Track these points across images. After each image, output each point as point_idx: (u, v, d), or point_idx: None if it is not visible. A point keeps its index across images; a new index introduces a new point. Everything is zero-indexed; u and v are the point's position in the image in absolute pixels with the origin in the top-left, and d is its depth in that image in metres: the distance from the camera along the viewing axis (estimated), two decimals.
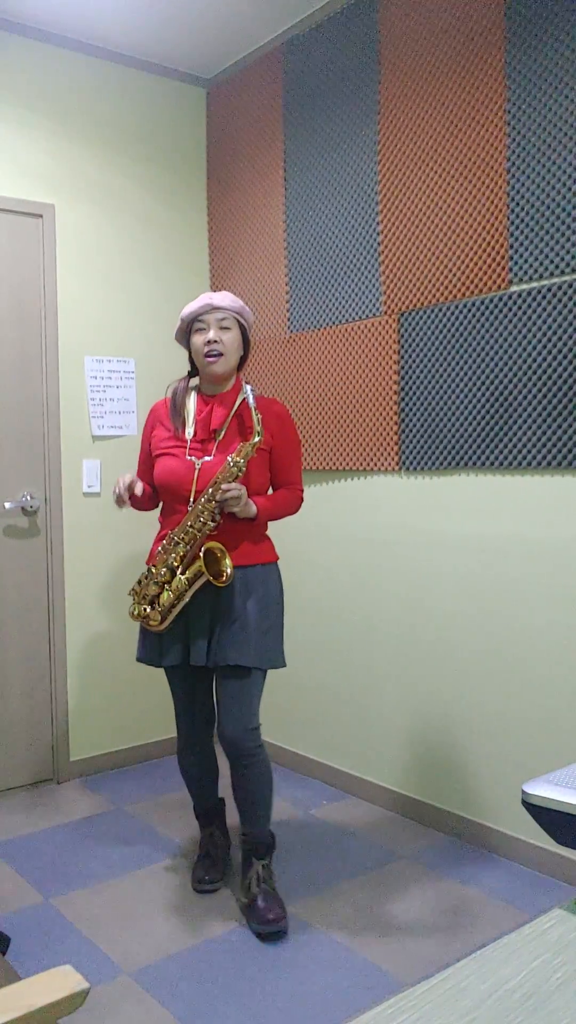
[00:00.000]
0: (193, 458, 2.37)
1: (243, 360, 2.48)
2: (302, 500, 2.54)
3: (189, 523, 2.30)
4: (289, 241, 3.40)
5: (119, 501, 2.39)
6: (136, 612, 2.39)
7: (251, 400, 2.32)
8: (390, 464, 3.03)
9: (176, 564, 2.33)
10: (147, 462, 2.52)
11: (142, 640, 2.52)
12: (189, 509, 2.32)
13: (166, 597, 2.34)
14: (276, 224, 3.46)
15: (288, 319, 3.43)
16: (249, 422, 2.40)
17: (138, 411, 3.62)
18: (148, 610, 2.36)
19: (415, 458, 2.94)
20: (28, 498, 3.36)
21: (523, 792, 1.08)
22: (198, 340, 2.39)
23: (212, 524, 2.30)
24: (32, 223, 3.35)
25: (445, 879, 2.62)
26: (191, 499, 2.34)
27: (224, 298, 2.40)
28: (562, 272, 2.47)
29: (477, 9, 2.65)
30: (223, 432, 2.38)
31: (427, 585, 2.94)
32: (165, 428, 2.45)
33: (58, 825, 3.07)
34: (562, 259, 2.47)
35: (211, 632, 2.37)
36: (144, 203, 3.65)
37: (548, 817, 1.06)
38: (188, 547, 2.31)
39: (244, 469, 2.30)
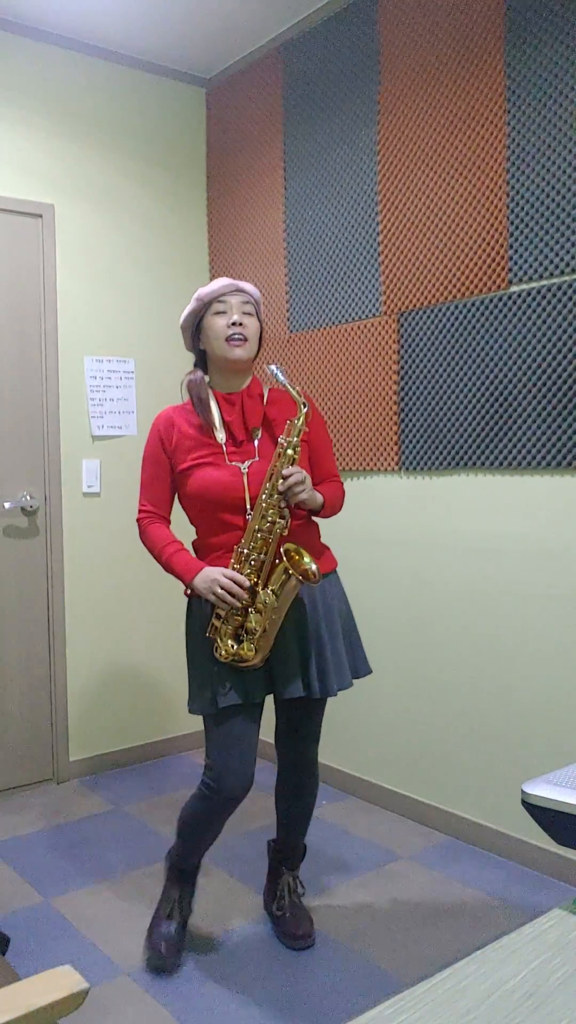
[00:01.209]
0: (236, 463, 2.10)
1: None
2: (342, 498, 2.30)
3: (256, 527, 2.03)
4: (289, 241, 3.40)
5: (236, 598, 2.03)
6: (224, 652, 2.05)
7: (282, 377, 2.06)
8: (390, 464, 3.03)
9: (253, 580, 2.04)
10: (164, 479, 2.16)
11: (201, 682, 2.12)
12: (248, 518, 2.06)
13: (255, 622, 2.03)
14: (276, 224, 3.46)
15: (288, 319, 3.43)
16: (280, 417, 2.16)
17: (137, 411, 3.62)
18: (235, 646, 2.04)
19: (415, 458, 2.94)
20: (28, 498, 3.36)
21: (523, 792, 1.08)
22: (218, 322, 2.10)
23: (283, 522, 2.03)
24: (32, 223, 3.35)
25: (445, 879, 2.62)
26: (247, 508, 2.07)
27: (248, 285, 2.18)
28: (562, 272, 2.47)
29: (477, 9, 2.65)
30: (260, 430, 2.15)
31: (427, 585, 2.94)
32: (189, 437, 2.12)
33: (57, 825, 3.07)
34: (561, 259, 2.47)
35: (303, 656, 2.11)
36: (144, 203, 3.65)
37: (547, 817, 1.06)
38: (261, 556, 2.03)
39: (299, 451, 2.06)
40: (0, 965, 1.42)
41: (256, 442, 2.14)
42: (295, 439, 2.04)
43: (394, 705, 3.08)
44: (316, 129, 3.25)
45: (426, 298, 2.86)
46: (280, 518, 2.02)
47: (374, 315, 3.06)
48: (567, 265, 2.45)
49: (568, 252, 2.45)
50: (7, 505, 3.30)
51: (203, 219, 3.84)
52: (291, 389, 2.05)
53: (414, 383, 2.92)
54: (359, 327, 3.10)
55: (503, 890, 2.55)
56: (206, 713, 2.10)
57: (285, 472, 2.01)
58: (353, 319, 3.14)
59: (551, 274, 2.50)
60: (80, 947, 2.30)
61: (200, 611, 2.14)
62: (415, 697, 3.00)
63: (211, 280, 3.82)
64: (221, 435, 2.12)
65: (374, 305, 3.05)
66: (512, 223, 2.59)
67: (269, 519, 2.02)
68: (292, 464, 2.04)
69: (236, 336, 2.09)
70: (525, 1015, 0.81)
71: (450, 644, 2.87)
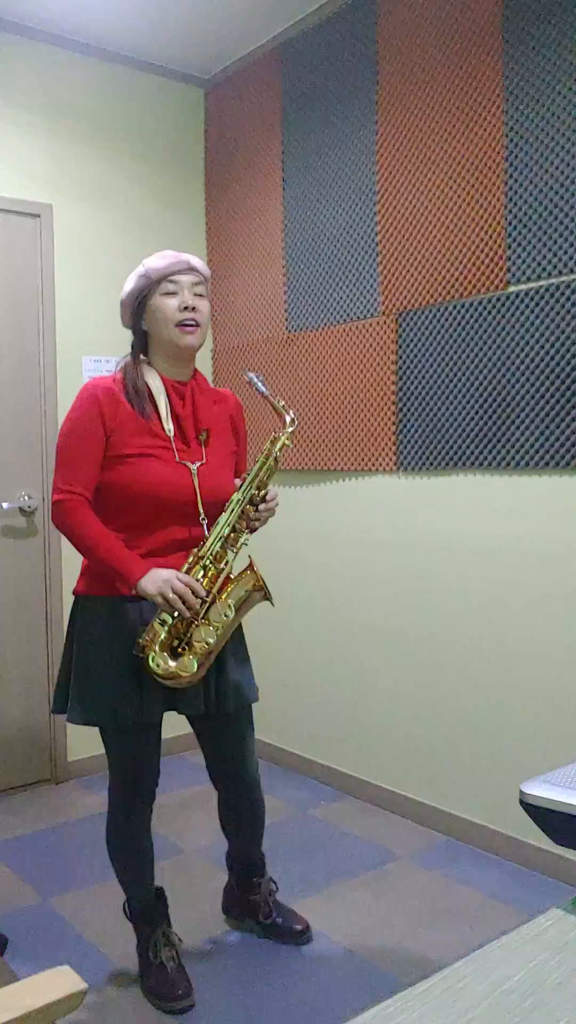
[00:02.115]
0: (186, 463, 1.94)
1: None
2: None
3: (220, 535, 1.91)
4: (287, 241, 3.40)
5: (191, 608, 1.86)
6: (159, 667, 1.85)
7: (263, 387, 1.97)
8: (388, 464, 3.03)
9: (207, 588, 1.88)
10: (96, 458, 1.90)
11: (96, 693, 1.92)
12: (202, 522, 1.94)
13: (205, 635, 1.86)
14: (274, 224, 3.46)
15: (286, 319, 3.43)
16: (222, 420, 2.06)
17: None
18: (173, 664, 1.85)
19: (413, 458, 2.94)
20: (26, 498, 3.36)
21: (521, 792, 1.08)
22: (169, 303, 1.92)
23: (247, 535, 1.93)
24: (30, 223, 3.35)
25: (443, 879, 2.62)
26: (199, 513, 1.94)
27: (198, 261, 1.98)
28: (560, 273, 2.47)
29: (475, 9, 2.65)
30: (208, 432, 2.01)
31: (425, 585, 2.94)
32: (134, 419, 1.92)
33: (56, 825, 3.07)
34: (560, 259, 2.47)
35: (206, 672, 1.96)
36: (142, 203, 3.64)
37: (546, 817, 1.06)
38: (219, 567, 1.91)
39: (278, 463, 1.96)
40: None
41: (204, 444, 1.99)
42: (279, 453, 1.94)
43: (392, 705, 3.08)
44: (315, 129, 3.25)
45: (424, 298, 2.86)
46: (247, 530, 1.94)
47: (372, 315, 3.06)
48: (565, 265, 2.45)
49: (566, 252, 2.45)
50: (5, 505, 3.30)
51: (201, 219, 3.83)
52: (274, 401, 1.97)
53: (412, 383, 2.92)
54: (357, 327, 3.11)
55: (501, 890, 2.55)
56: (100, 726, 1.96)
57: (270, 494, 1.96)
58: (351, 319, 3.14)
59: (549, 274, 2.50)
60: (78, 947, 2.30)
61: (97, 612, 1.96)
62: (413, 697, 3.00)
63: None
64: (170, 428, 1.94)
65: (372, 305, 3.05)
66: (510, 223, 2.59)
67: (236, 528, 1.91)
68: (269, 477, 1.95)
69: (189, 322, 1.92)
70: (524, 1015, 0.81)
71: (448, 645, 2.87)
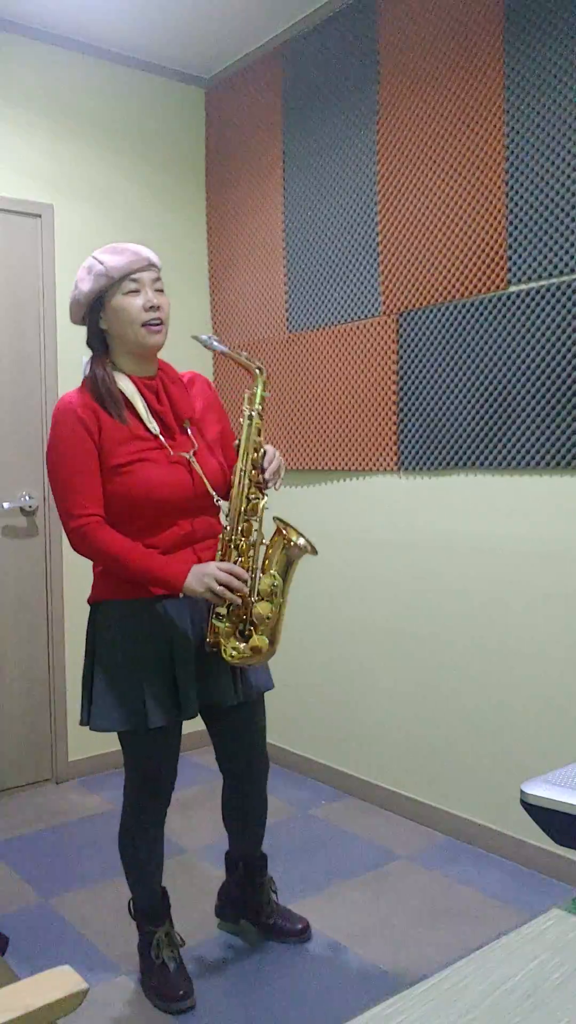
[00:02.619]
0: (183, 454, 1.92)
1: None
2: None
3: (240, 510, 1.89)
4: (288, 241, 3.40)
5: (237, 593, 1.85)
6: (233, 654, 1.88)
7: (220, 345, 1.92)
8: (389, 464, 3.03)
9: (247, 567, 1.88)
10: (97, 475, 1.88)
11: (126, 697, 1.91)
12: (218, 504, 1.94)
13: (264, 610, 1.87)
14: (275, 224, 3.46)
15: (287, 319, 3.43)
16: (203, 402, 2.03)
17: None
18: (243, 644, 1.88)
19: (414, 458, 2.94)
20: (26, 498, 3.36)
21: (521, 792, 1.08)
22: (133, 303, 1.86)
23: (265, 498, 1.91)
24: (31, 223, 3.35)
25: (443, 879, 2.62)
26: (211, 499, 1.95)
27: (153, 254, 1.93)
28: (560, 272, 2.47)
29: (476, 9, 2.65)
30: (190, 421, 1.99)
31: (426, 585, 2.94)
32: (117, 428, 1.88)
33: (57, 825, 3.07)
34: (560, 259, 2.47)
35: (218, 663, 1.97)
36: (143, 203, 3.65)
37: (546, 817, 1.06)
38: (250, 539, 1.89)
39: (263, 421, 1.93)
40: None
41: (189, 432, 1.97)
42: (259, 407, 1.91)
43: (392, 705, 3.08)
44: (315, 129, 3.25)
45: (425, 298, 2.86)
46: (262, 494, 1.91)
47: (373, 315, 3.06)
48: (566, 265, 2.45)
49: (567, 252, 2.45)
50: (6, 505, 3.30)
51: (202, 219, 3.83)
52: (236, 356, 1.92)
53: (413, 383, 2.92)
54: (358, 327, 3.11)
55: (502, 890, 2.55)
56: (130, 730, 1.94)
57: (268, 452, 1.93)
58: (352, 319, 3.14)
59: (550, 274, 2.50)
60: (79, 947, 2.30)
61: (116, 618, 1.95)
62: (413, 697, 3.00)
63: (209, 280, 3.82)
64: (153, 426, 1.91)
65: (373, 305, 3.05)
66: (511, 223, 2.59)
67: (250, 498, 1.89)
68: (259, 435, 1.92)
69: (154, 321, 1.88)
70: (524, 1015, 0.81)
71: (449, 644, 2.87)
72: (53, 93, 3.40)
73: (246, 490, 1.90)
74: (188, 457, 1.93)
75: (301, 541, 1.91)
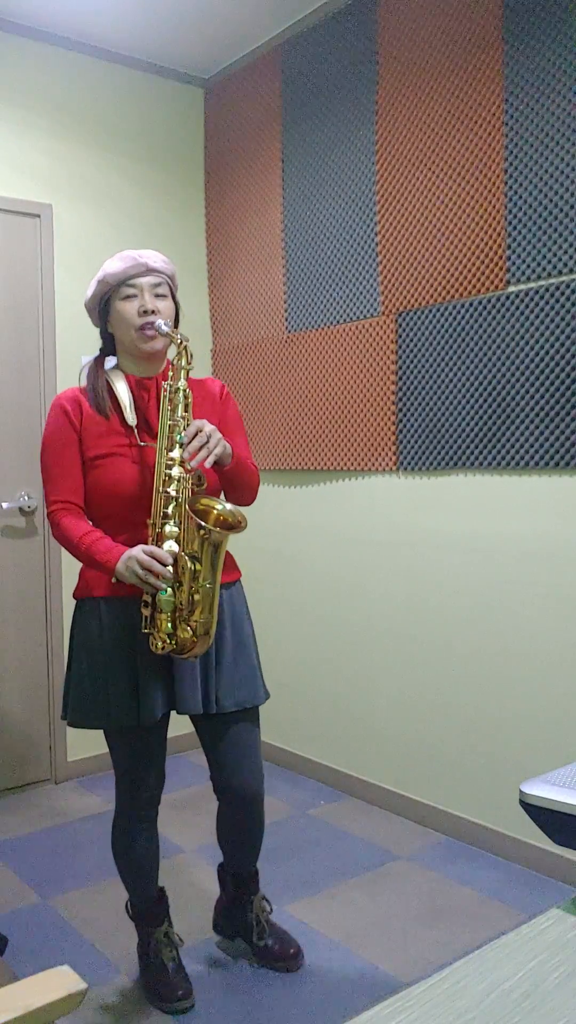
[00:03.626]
0: (151, 444, 1.90)
1: None
2: (259, 477, 2.07)
3: (159, 489, 1.83)
4: (287, 241, 3.40)
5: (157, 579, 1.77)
6: (160, 645, 1.82)
7: (165, 328, 1.87)
8: (388, 464, 3.03)
9: (174, 553, 1.80)
10: (77, 464, 1.91)
11: (92, 695, 1.90)
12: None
13: (182, 595, 1.79)
14: (274, 224, 3.46)
15: (286, 319, 3.43)
16: (200, 403, 1.97)
17: None
18: (169, 640, 1.81)
19: (413, 458, 2.94)
20: (25, 498, 3.36)
21: (521, 792, 1.08)
22: (128, 308, 1.89)
23: (188, 476, 1.82)
24: (29, 223, 3.35)
25: (443, 879, 2.62)
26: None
27: (156, 258, 1.92)
28: (559, 273, 2.47)
29: (475, 10, 2.65)
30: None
31: (425, 585, 2.94)
32: (96, 421, 1.91)
33: (55, 825, 3.07)
34: (559, 259, 2.47)
35: (204, 669, 1.94)
36: (142, 203, 3.65)
37: (545, 817, 1.06)
38: (176, 522, 1.82)
39: (190, 398, 1.86)
40: None
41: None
42: (181, 382, 1.84)
43: (392, 705, 3.08)
44: (314, 129, 3.25)
45: (424, 298, 2.86)
46: (185, 472, 1.81)
47: (372, 315, 3.06)
48: (564, 265, 2.46)
49: (566, 252, 2.45)
50: (5, 505, 3.30)
51: (201, 219, 3.83)
52: (172, 332, 1.87)
53: (412, 383, 2.92)
54: (357, 327, 3.11)
55: (501, 890, 2.55)
56: (96, 728, 1.94)
57: (192, 427, 1.79)
58: (351, 319, 3.14)
59: (549, 274, 2.50)
60: (78, 947, 2.30)
61: (92, 614, 1.94)
62: (413, 697, 3.00)
63: (208, 280, 3.82)
64: (132, 418, 1.90)
65: (372, 305, 3.05)
66: (510, 223, 2.59)
67: (172, 476, 1.81)
68: (186, 410, 1.84)
69: (148, 325, 1.89)
70: (523, 1015, 0.81)
71: (448, 644, 2.87)
72: (52, 93, 3.39)
73: (165, 469, 1.82)
74: (154, 447, 1.89)
75: (225, 508, 1.81)
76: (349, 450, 3.17)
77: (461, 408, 2.76)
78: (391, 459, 3.01)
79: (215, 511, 1.82)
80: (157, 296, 1.91)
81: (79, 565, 2.04)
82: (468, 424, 2.74)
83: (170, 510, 1.82)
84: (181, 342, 1.87)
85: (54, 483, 1.91)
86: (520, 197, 2.56)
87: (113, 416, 1.92)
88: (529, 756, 2.63)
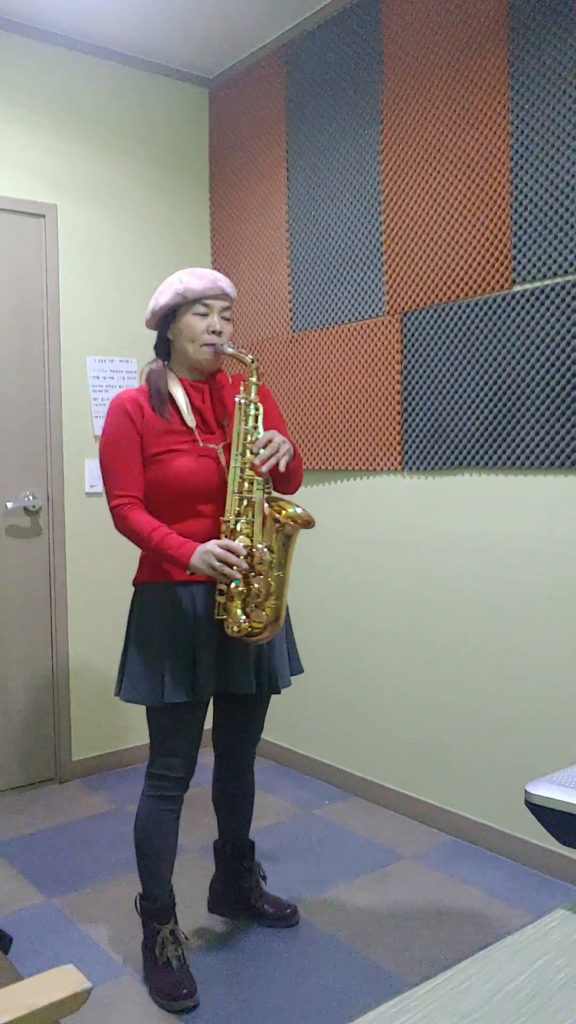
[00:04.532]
0: (212, 445, 2.07)
1: None
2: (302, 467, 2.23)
3: (234, 490, 2.00)
4: (292, 241, 3.40)
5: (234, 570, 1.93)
6: (236, 628, 1.98)
7: (231, 349, 2.07)
8: (393, 464, 3.02)
9: (248, 545, 1.97)
10: (137, 461, 2.06)
11: (150, 672, 2.04)
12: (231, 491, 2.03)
13: (259, 584, 1.95)
14: (279, 224, 3.46)
15: (291, 319, 3.43)
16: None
17: None
18: (245, 620, 1.97)
19: (418, 458, 2.93)
20: (30, 498, 3.36)
21: (526, 792, 1.08)
22: (198, 323, 2.06)
23: (260, 479, 2.00)
24: (34, 223, 3.35)
25: (447, 879, 2.62)
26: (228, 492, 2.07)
27: (228, 283, 2.12)
28: (565, 272, 2.47)
29: (480, 9, 2.64)
30: (229, 420, 2.13)
31: (429, 585, 2.93)
32: (157, 420, 2.06)
33: (60, 825, 3.07)
34: (565, 259, 2.46)
35: (256, 651, 2.10)
36: (146, 203, 3.65)
37: (551, 817, 1.06)
38: (249, 519, 1.99)
39: (260, 408, 2.04)
40: (2, 964, 1.42)
41: (226, 429, 2.11)
42: (253, 395, 2.03)
43: (397, 705, 3.08)
44: (319, 129, 3.25)
45: (429, 298, 2.86)
46: (259, 476, 1.98)
47: (377, 315, 3.05)
48: (571, 265, 2.45)
49: (572, 252, 2.45)
50: (10, 505, 3.30)
51: (206, 219, 3.84)
52: (238, 352, 2.05)
53: (417, 383, 2.92)
54: (362, 327, 3.10)
55: (506, 890, 2.54)
56: (150, 704, 2.05)
57: (262, 437, 1.95)
58: (356, 319, 3.14)
59: (555, 273, 2.49)
60: (82, 946, 2.30)
61: (154, 597, 2.08)
62: (418, 697, 3.00)
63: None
64: (191, 420, 2.06)
65: (377, 305, 3.05)
66: (515, 222, 2.59)
67: (245, 479, 1.99)
68: (256, 420, 2.02)
69: (212, 343, 2.06)
70: (528, 1016, 0.81)
71: (453, 644, 2.87)
72: (57, 93, 3.40)
73: (240, 473, 2.00)
74: (218, 450, 2.07)
75: (297, 511, 1.96)
76: (354, 450, 3.17)
77: (466, 408, 2.75)
78: (396, 459, 3.01)
79: (287, 510, 1.97)
80: (223, 319, 2.08)
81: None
82: (473, 424, 2.74)
83: (242, 508, 2.00)
84: (253, 361, 2.05)
85: (117, 478, 2.04)
86: (525, 196, 2.55)
87: (173, 416, 2.07)
88: (535, 756, 2.63)
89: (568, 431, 2.48)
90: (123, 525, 2.04)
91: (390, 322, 3.00)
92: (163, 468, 2.04)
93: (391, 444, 3.02)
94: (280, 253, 3.46)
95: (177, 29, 3.34)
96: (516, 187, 2.58)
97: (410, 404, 2.95)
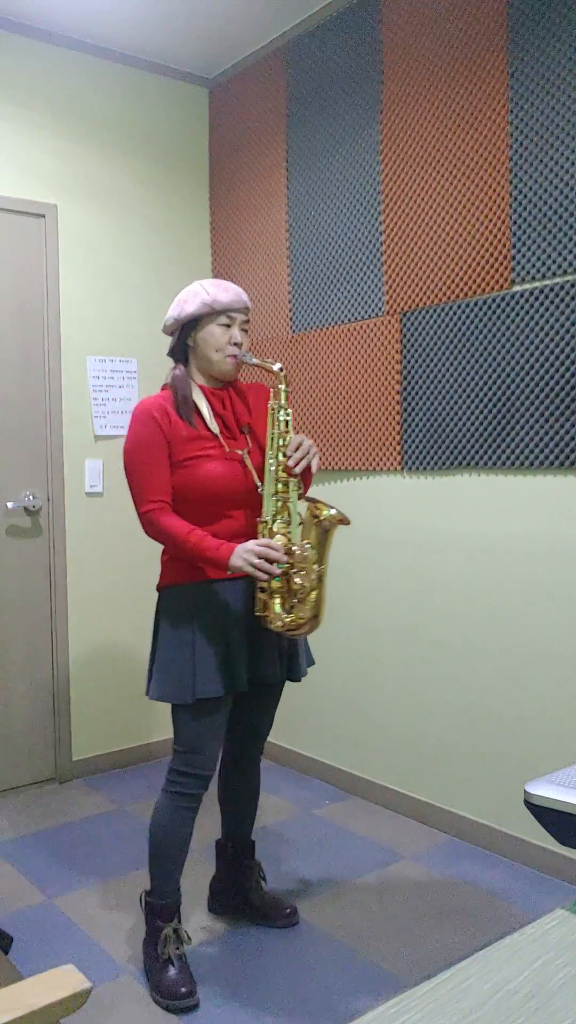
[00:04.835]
0: (238, 450, 2.13)
1: None
2: None
3: (271, 493, 2.07)
4: (291, 241, 3.40)
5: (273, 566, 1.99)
6: (279, 624, 2.04)
7: (254, 360, 2.15)
8: (393, 464, 3.03)
9: (285, 544, 2.04)
10: (166, 467, 2.10)
11: (180, 669, 2.08)
12: (262, 492, 2.11)
13: (301, 579, 2.02)
14: (278, 224, 3.46)
15: (290, 319, 3.43)
16: (260, 410, 2.21)
17: None
18: (288, 617, 2.04)
19: (417, 458, 2.93)
20: (31, 498, 3.36)
21: (525, 792, 1.08)
22: (221, 333, 2.12)
23: (295, 480, 2.09)
24: (35, 223, 3.35)
25: (447, 879, 2.62)
26: (258, 491, 2.14)
27: (247, 298, 2.20)
28: (564, 272, 2.47)
29: (480, 9, 2.65)
30: (249, 426, 2.20)
31: (429, 584, 2.93)
32: (183, 427, 2.10)
33: (60, 825, 3.08)
34: (564, 259, 2.46)
35: (280, 644, 2.19)
36: (146, 203, 3.65)
37: (550, 817, 1.06)
38: (285, 519, 2.07)
39: (290, 415, 2.12)
40: (3, 964, 1.42)
41: (248, 435, 2.19)
42: (283, 401, 2.10)
43: (396, 705, 3.08)
44: (319, 129, 3.25)
45: (429, 298, 2.86)
46: (291, 477, 2.08)
47: (377, 315, 3.05)
48: (570, 265, 2.45)
49: (571, 252, 2.45)
50: (10, 505, 3.30)
51: (206, 219, 3.84)
52: (263, 362, 2.12)
53: (417, 383, 2.92)
54: (362, 327, 3.10)
55: (505, 890, 2.54)
56: (179, 702, 2.08)
57: (293, 441, 2.07)
58: (356, 319, 3.14)
59: (554, 274, 2.49)
60: (83, 946, 2.30)
61: (181, 597, 2.11)
62: (417, 697, 3.00)
63: (212, 276, 3.82)
64: (215, 426, 2.12)
65: (377, 305, 3.05)
66: (515, 222, 2.59)
67: (280, 482, 2.08)
68: (286, 426, 2.10)
69: (234, 354, 2.14)
70: (527, 1015, 0.81)
71: (453, 644, 2.87)
72: (57, 93, 3.40)
73: (276, 475, 2.07)
74: (243, 454, 2.13)
75: (332, 512, 2.04)
76: (354, 450, 3.17)
77: (466, 408, 2.76)
78: (396, 459, 3.01)
79: (324, 509, 2.05)
80: (242, 331, 2.16)
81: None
82: (473, 424, 2.74)
83: (278, 508, 2.07)
84: (281, 370, 2.11)
85: (148, 483, 2.08)
86: (525, 196, 2.56)
87: (198, 422, 2.13)
88: (534, 756, 2.63)
89: (568, 431, 2.48)
90: (155, 530, 2.07)
91: (390, 322, 3.00)
92: (191, 473, 2.08)
93: (391, 444, 3.02)
94: (280, 253, 3.47)
95: (177, 29, 3.35)
96: (516, 187, 2.58)
97: (410, 404, 2.95)
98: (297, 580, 2.03)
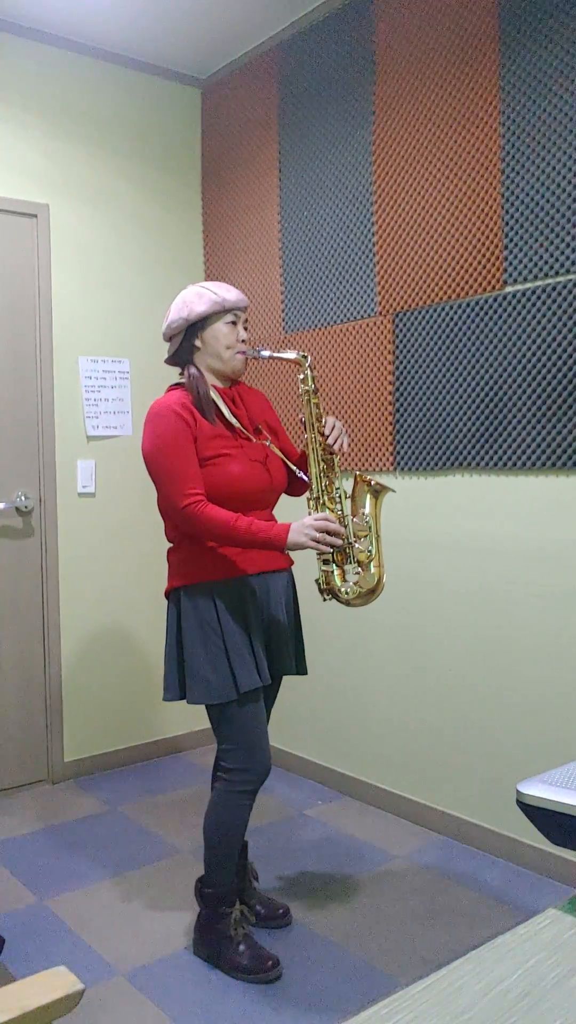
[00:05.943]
0: (262, 442, 2.21)
1: None
2: None
3: (318, 472, 2.14)
4: (284, 241, 3.40)
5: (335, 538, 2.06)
6: (350, 593, 2.10)
7: (265, 352, 2.19)
8: (385, 464, 3.03)
9: (337, 516, 2.10)
10: (196, 461, 2.11)
11: (215, 669, 2.11)
12: (300, 476, 2.22)
13: (363, 546, 2.10)
14: (271, 224, 3.46)
15: (283, 320, 3.43)
16: (261, 409, 2.31)
17: (132, 411, 3.61)
18: (354, 585, 2.10)
19: (410, 459, 2.94)
20: (23, 498, 3.35)
21: (518, 792, 1.08)
22: (229, 331, 2.18)
23: (334, 457, 2.16)
24: (26, 223, 3.34)
25: (440, 879, 2.62)
26: (275, 491, 2.23)
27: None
28: (556, 273, 2.47)
29: (472, 11, 2.65)
30: (261, 426, 2.27)
31: (422, 586, 2.94)
32: (206, 424, 2.13)
33: (52, 826, 3.07)
34: (556, 260, 2.47)
35: (293, 636, 2.27)
36: (139, 203, 3.64)
37: (542, 817, 1.06)
38: (335, 493, 2.15)
39: (318, 398, 2.19)
40: None
41: (261, 433, 2.25)
42: (311, 385, 2.16)
43: (389, 705, 3.08)
44: (311, 129, 3.25)
45: (421, 298, 2.87)
46: (331, 454, 2.15)
47: (369, 315, 3.06)
48: (562, 266, 2.46)
49: (563, 253, 2.45)
50: (2, 505, 3.29)
51: (198, 219, 3.83)
52: (284, 354, 2.19)
53: (409, 383, 2.92)
54: (354, 327, 3.11)
55: (498, 890, 2.55)
56: (227, 700, 2.09)
57: (328, 422, 2.16)
58: (348, 319, 3.14)
59: (546, 275, 2.50)
60: (75, 948, 2.30)
61: (201, 597, 2.12)
62: (410, 697, 3.01)
63: (205, 281, 3.82)
64: (235, 421, 2.18)
65: (369, 305, 3.05)
66: (507, 223, 2.59)
67: (324, 460, 2.14)
68: (319, 408, 2.17)
69: (242, 350, 2.20)
70: (520, 1015, 0.81)
71: (445, 644, 2.87)
72: (49, 93, 3.39)
73: (319, 454, 2.14)
74: (272, 447, 2.21)
75: (378, 484, 2.15)
76: (346, 450, 3.17)
77: (458, 408, 2.76)
78: (388, 459, 3.01)
79: (366, 480, 2.15)
80: (245, 329, 2.23)
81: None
82: (465, 424, 2.74)
83: (325, 486, 2.14)
84: (305, 357, 2.18)
85: (185, 478, 2.08)
86: (517, 197, 2.56)
87: (218, 420, 2.17)
88: (526, 756, 2.64)
89: (560, 431, 2.48)
90: (199, 522, 2.06)
91: (382, 323, 3.00)
92: (217, 472, 2.11)
93: (383, 445, 3.03)
94: (272, 253, 3.47)
95: (170, 29, 3.34)
96: (508, 188, 2.59)
97: (402, 405, 2.95)
98: (359, 547, 2.10)
